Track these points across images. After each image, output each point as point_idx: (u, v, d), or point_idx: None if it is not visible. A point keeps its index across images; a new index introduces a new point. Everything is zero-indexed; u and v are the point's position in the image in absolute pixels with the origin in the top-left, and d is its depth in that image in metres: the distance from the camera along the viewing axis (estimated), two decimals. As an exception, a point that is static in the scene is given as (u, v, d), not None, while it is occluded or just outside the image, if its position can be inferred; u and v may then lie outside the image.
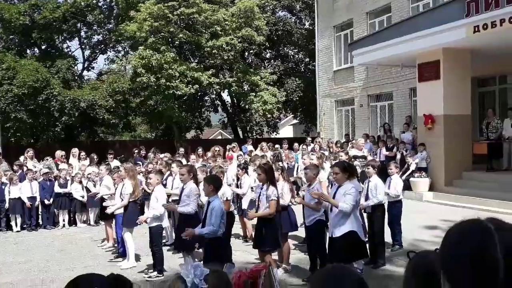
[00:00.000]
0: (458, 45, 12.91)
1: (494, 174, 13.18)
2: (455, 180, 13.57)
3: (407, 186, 13.48)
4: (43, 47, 29.04)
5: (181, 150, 15.81)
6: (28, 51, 28.86)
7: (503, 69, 14.88)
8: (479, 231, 1.10)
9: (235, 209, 10.39)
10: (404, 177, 13.54)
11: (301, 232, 8.65)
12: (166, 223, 7.94)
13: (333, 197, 6.15)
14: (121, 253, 8.58)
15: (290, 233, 8.51)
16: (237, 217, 9.44)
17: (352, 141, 17.01)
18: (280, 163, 11.60)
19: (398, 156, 14.67)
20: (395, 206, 8.28)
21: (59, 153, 14.03)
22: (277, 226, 6.62)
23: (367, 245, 6.97)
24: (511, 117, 13.29)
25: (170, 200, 8.84)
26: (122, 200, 8.24)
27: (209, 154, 13.74)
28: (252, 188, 9.05)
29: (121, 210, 8.32)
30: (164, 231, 8.65)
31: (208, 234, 5.81)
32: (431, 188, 13.80)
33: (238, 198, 9.65)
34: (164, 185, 8.65)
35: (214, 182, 6.10)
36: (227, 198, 7.50)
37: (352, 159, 12.75)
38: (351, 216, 6.01)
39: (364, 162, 11.67)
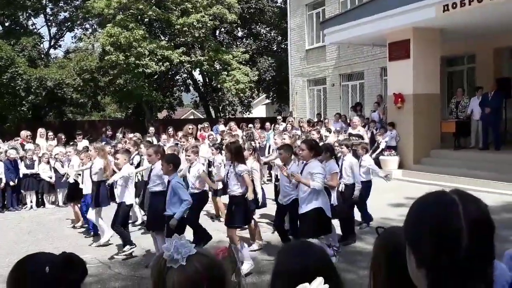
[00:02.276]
0: (428, 24, 13.02)
1: (461, 152, 13.48)
2: (423, 158, 13.84)
3: (377, 164, 13.67)
4: (6, 24, 28.02)
5: (151, 129, 15.62)
6: (-10, 28, 27.87)
7: (472, 49, 15.11)
8: (443, 202, 1.10)
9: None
10: (374, 155, 13.74)
11: (271, 210, 8.71)
12: (133, 200, 7.80)
13: (300, 174, 6.29)
14: (94, 232, 8.52)
15: (262, 212, 8.59)
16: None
17: (324, 120, 17.10)
18: (252, 142, 11.59)
19: (369, 135, 14.84)
20: (366, 185, 8.37)
21: (24, 133, 13.66)
22: (247, 203, 6.65)
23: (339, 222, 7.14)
24: (478, 97, 13.53)
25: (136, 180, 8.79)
26: (92, 180, 8.12)
27: (180, 133, 13.60)
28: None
29: (90, 190, 8.23)
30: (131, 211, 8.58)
31: (186, 209, 6.00)
32: (400, 166, 14.04)
33: (210, 177, 9.62)
34: (132, 164, 8.54)
35: (173, 161, 6.13)
36: (203, 170, 7.54)
37: (349, 137, 12.80)
38: (319, 194, 6.14)
39: (358, 141, 11.78)
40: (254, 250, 7.14)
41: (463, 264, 1.04)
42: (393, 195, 10.56)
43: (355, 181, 7.64)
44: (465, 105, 13.92)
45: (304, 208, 6.19)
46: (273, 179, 9.68)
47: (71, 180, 9.42)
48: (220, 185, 8.98)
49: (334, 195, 7.15)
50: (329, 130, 14.84)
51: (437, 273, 1.06)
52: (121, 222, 7.23)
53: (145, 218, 8.38)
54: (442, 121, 14.22)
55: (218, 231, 8.01)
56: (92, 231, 8.58)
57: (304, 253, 1.52)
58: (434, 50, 13.74)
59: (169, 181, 6.16)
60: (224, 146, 7.31)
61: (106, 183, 7.67)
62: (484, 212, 1.09)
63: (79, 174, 9.27)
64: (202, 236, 7.12)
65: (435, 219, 1.07)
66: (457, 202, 1.08)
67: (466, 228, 1.04)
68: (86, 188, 8.50)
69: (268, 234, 8.09)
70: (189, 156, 7.48)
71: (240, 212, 6.35)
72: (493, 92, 13.09)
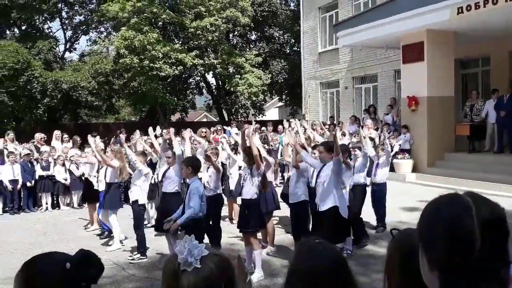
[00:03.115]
0: (442, 27, 12.93)
1: (476, 155, 13.35)
2: (437, 161, 13.73)
3: (390, 168, 13.60)
4: (23, 27, 28.40)
5: (164, 131, 15.63)
6: (7, 32, 28.22)
7: (486, 51, 14.97)
8: (456, 204, 1.10)
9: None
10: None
11: (284, 212, 8.72)
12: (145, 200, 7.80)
13: (318, 175, 6.46)
14: (108, 233, 8.63)
15: (276, 215, 8.58)
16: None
17: (338, 124, 17.04)
18: (266, 145, 11.61)
19: (382, 138, 14.73)
20: (379, 187, 8.37)
21: (38, 135, 13.80)
22: (261, 207, 6.67)
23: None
24: (493, 99, 13.38)
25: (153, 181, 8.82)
26: (107, 181, 8.18)
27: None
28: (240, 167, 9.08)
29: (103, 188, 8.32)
30: (145, 213, 8.65)
31: (189, 217, 5.91)
32: (414, 169, 13.94)
33: (225, 179, 9.69)
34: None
35: (192, 164, 6.15)
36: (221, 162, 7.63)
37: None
38: (336, 193, 6.25)
39: (372, 144, 11.74)
40: (268, 254, 7.16)
41: (476, 266, 1.04)
42: (407, 198, 10.50)
43: (367, 154, 7.85)
44: (479, 108, 13.78)
45: (321, 207, 6.29)
46: (285, 181, 9.70)
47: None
48: (232, 186, 9.02)
49: (346, 197, 7.16)
50: (343, 134, 14.78)
51: (449, 275, 1.07)
52: (138, 225, 7.31)
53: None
54: (456, 124, 14.10)
55: (231, 234, 8.04)
56: (107, 231, 8.68)
57: (321, 254, 1.54)
58: (448, 52, 13.64)
59: (188, 184, 6.17)
60: (242, 150, 7.32)
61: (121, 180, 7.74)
62: (497, 214, 1.09)
63: (95, 176, 9.36)
64: (215, 242, 7.22)
65: (448, 222, 1.07)
66: (470, 204, 1.08)
67: (479, 230, 1.04)
68: (101, 186, 8.59)
69: (281, 236, 8.10)
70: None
71: (255, 215, 6.34)
72: (508, 95, 12.95)
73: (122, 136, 12.26)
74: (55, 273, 1.42)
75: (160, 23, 24.77)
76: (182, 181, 7.47)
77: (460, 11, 11.74)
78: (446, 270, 1.07)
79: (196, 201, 5.90)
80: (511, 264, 1.10)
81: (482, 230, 1.04)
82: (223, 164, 10.41)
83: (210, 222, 7.40)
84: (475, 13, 11.48)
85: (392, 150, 13.98)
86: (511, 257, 1.10)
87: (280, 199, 8.35)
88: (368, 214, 8.14)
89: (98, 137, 12.21)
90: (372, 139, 13.45)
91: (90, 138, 8.94)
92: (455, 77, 14.49)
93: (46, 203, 11.99)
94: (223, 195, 8.51)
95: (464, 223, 1.06)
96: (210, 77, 30.62)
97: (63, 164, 12.13)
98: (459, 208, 1.08)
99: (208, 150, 7.84)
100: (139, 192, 7.31)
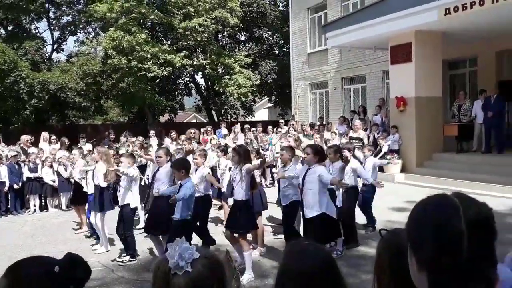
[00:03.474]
0: (430, 28, 13.04)
1: (464, 156, 13.46)
2: (426, 161, 13.82)
3: (379, 168, 13.65)
4: (9, 28, 28.12)
5: (152, 132, 15.56)
6: (-7, 32, 27.97)
7: (474, 52, 15.12)
8: (444, 204, 1.11)
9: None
10: (376, 159, 13.69)
11: (274, 213, 8.73)
12: (137, 204, 7.79)
13: (303, 178, 6.38)
14: (97, 236, 8.58)
15: (267, 216, 8.59)
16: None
17: (328, 125, 17.09)
18: (255, 145, 11.62)
19: (371, 138, 14.82)
20: (368, 188, 8.39)
21: (24, 137, 13.65)
22: (252, 208, 6.66)
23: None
24: (481, 100, 13.51)
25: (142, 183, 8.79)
26: (95, 183, 8.11)
27: (183, 137, 13.59)
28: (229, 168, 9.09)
29: (93, 190, 8.26)
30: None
31: (184, 196, 5.99)
32: (403, 169, 14.02)
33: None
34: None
35: (183, 166, 6.13)
36: (208, 172, 7.60)
37: (350, 141, 12.78)
38: (322, 198, 6.21)
39: (360, 144, 11.78)
40: (262, 254, 7.17)
41: (464, 266, 1.05)
42: (396, 199, 10.55)
43: (364, 178, 7.75)
44: (467, 108, 13.90)
45: (308, 213, 6.27)
46: (275, 182, 9.71)
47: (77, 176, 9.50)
48: (225, 188, 9.00)
49: (339, 198, 7.18)
50: (335, 133, 14.85)
51: (438, 276, 1.07)
52: (129, 227, 7.25)
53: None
54: (444, 125, 14.21)
55: (222, 235, 8.01)
56: (95, 233, 8.62)
57: (310, 254, 1.54)
58: (436, 53, 13.75)
59: (181, 185, 6.16)
60: (232, 149, 7.31)
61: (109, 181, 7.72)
62: (485, 214, 1.10)
63: (83, 178, 9.29)
64: (207, 241, 7.21)
65: (436, 222, 1.08)
66: (458, 204, 1.09)
67: (467, 231, 1.05)
68: (90, 188, 8.53)
69: (271, 237, 8.10)
70: (196, 159, 7.49)
71: (247, 216, 6.33)
72: (495, 95, 13.08)
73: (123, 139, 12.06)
74: (41, 277, 1.40)
75: (148, 23, 24.66)
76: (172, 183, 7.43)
77: (447, 12, 11.84)
78: (435, 271, 1.07)
79: (186, 192, 5.94)
80: (497, 264, 1.11)
81: (470, 230, 1.05)
82: (212, 167, 10.41)
83: (197, 223, 7.39)
84: (462, 14, 11.59)
85: (380, 151, 14.07)
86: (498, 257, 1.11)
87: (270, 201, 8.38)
88: (356, 214, 8.15)
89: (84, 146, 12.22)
90: (360, 139, 13.55)
91: (80, 161, 9.12)
92: (443, 77, 14.61)
93: (34, 205, 11.88)
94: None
95: (452, 223, 1.06)
96: (199, 78, 30.60)
97: (51, 166, 12.02)
98: (447, 209, 1.09)
99: (197, 152, 7.81)
100: (130, 195, 7.24)
